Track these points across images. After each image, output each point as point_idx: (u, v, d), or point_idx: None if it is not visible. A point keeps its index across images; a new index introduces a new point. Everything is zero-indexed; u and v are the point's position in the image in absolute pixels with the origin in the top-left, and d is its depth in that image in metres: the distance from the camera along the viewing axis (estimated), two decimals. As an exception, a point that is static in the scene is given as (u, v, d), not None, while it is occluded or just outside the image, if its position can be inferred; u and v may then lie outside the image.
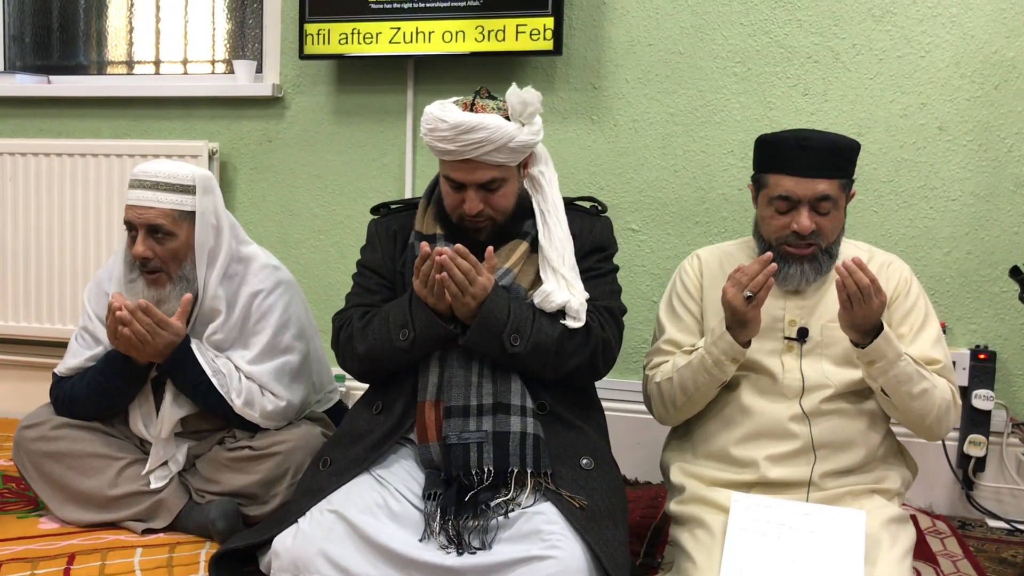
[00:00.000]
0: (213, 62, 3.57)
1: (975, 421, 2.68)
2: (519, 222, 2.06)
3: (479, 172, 1.95)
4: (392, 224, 2.18)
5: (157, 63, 3.61)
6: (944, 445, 2.69)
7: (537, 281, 2.01)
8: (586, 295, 1.99)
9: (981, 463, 2.70)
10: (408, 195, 3.11)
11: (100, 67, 3.67)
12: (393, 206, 2.25)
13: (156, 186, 2.22)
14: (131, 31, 3.63)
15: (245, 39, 3.51)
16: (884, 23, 2.75)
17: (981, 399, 2.66)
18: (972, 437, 2.67)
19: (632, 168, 2.98)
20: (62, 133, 3.44)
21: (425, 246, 1.91)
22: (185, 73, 3.57)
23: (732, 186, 2.90)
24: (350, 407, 2.65)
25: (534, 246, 2.05)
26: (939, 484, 2.75)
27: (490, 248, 1.95)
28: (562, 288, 1.97)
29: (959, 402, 1.96)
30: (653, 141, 2.95)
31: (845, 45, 2.78)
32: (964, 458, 2.70)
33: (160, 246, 2.23)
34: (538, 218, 2.05)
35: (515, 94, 1.95)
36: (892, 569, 1.70)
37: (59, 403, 2.37)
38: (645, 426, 2.59)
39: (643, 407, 2.47)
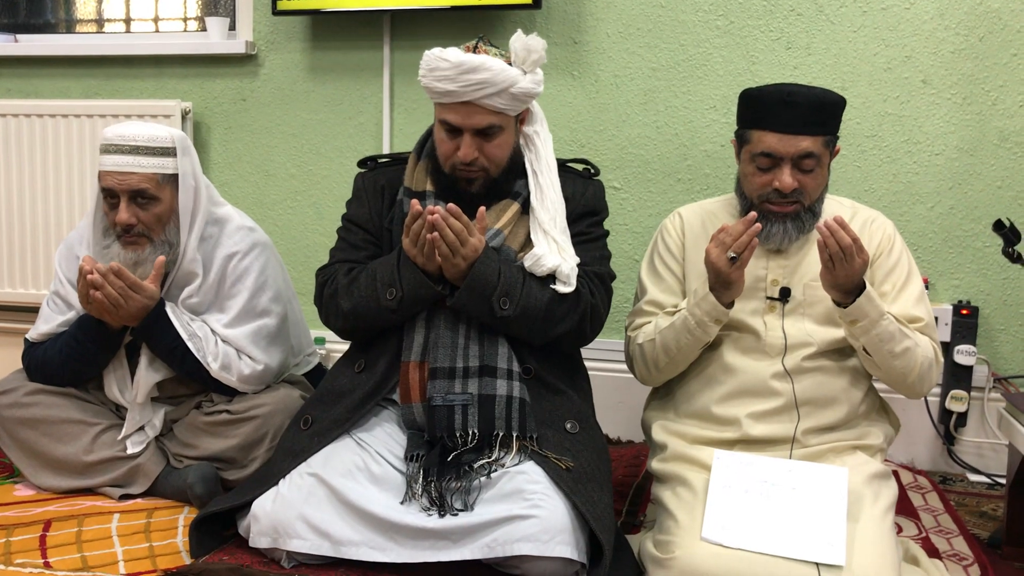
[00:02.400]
0: (185, 19, 3.48)
1: (957, 376, 2.68)
2: (511, 181, 2.03)
3: (477, 116, 1.92)
4: (380, 178, 2.13)
5: (128, 21, 3.52)
6: (926, 401, 2.69)
7: (528, 243, 1.98)
8: (577, 259, 1.96)
9: (963, 418, 2.70)
10: (386, 152, 3.06)
11: (69, 25, 3.57)
12: (381, 159, 2.20)
13: (136, 150, 2.16)
14: (99, -12, 3.53)
15: (218, -5, 3.42)
16: (868, -26, 2.71)
17: (963, 355, 2.66)
18: (954, 392, 2.67)
19: (614, 125, 2.93)
20: (30, 93, 3.35)
21: (416, 204, 1.87)
22: (157, 31, 3.48)
23: (715, 142, 2.86)
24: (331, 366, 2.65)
25: (525, 207, 2.01)
26: (920, 439, 2.76)
27: (481, 208, 1.91)
28: (553, 252, 1.94)
29: (941, 360, 1.95)
30: (635, 97, 2.90)
31: (829, -3, 2.74)
32: (946, 413, 2.71)
33: (144, 211, 2.17)
34: (530, 179, 2.01)
35: (519, 40, 1.93)
36: (874, 525, 1.70)
37: (32, 369, 2.32)
38: (628, 385, 2.58)
39: (626, 366, 2.46)
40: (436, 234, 1.84)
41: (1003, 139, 2.68)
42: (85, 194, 3.18)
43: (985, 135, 2.68)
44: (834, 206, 2.03)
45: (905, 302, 1.94)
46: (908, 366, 1.87)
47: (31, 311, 3.23)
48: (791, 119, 1.87)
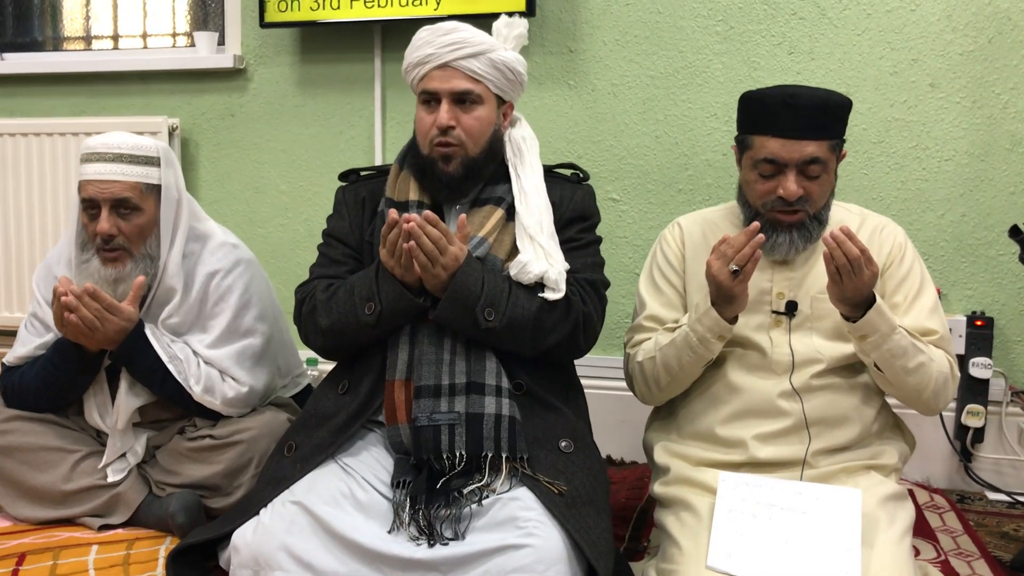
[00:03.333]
0: (174, 35, 3.42)
1: (972, 390, 2.57)
2: (493, 185, 1.94)
3: (455, 80, 1.89)
4: (361, 191, 2.05)
5: (116, 38, 3.46)
6: (941, 416, 2.59)
7: (514, 252, 1.89)
8: (566, 265, 1.86)
9: (979, 434, 2.60)
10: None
11: (56, 43, 3.51)
12: (363, 172, 2.12)
13: (119, 158, 2.08)
14: (87, 5, 3.47)
15: (208, 11, 3.36)
16: (872, -25, 2.62)
17: (979, 367, 2.55)
18: (970, 407, 2.56)
19: (612, 135, 2.85)
20: (16, 112, 3.29)
21: (393, 212, 1.78)
22: (145, 48, 3.42)
23: (716, 151, 2.77)
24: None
25: (510, 214, 1.93)
26: (936, 456, 2.65)
27: (463, 216, 1.82)
28: (540, 257, 1.85)
29: (957, 374, 1.84)
30: (633, 106, 2.82)
31: (831, 0, 2.65)
32: (962, 429, 2.60)
33: (126, 222, 2.09)
34: (514, 183, 1.93)
35: (502, 18, 1.97)
36: (891, 549, 1.59)
37: (8, 394, 2.24)
38: (629, 404, 2.47)
39: (621, 382, 2.37)
40: (413, 243, 1.75)
41: (1015, 143, 2.58)
42: (72, 214, 3.10)
43: (996, 139, 2.59)
44: (842, 213, 1.94)
45: (918, 314, 1.84)
46: (922, 382, 1.76)
47: (9, 335, 3.16)
48: (795, 123, 1.78)
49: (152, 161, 2.13)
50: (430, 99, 1.91)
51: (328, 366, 2.86)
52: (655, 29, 2.78)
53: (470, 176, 1.93)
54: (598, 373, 2.77)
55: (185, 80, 3.14)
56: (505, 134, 2.00)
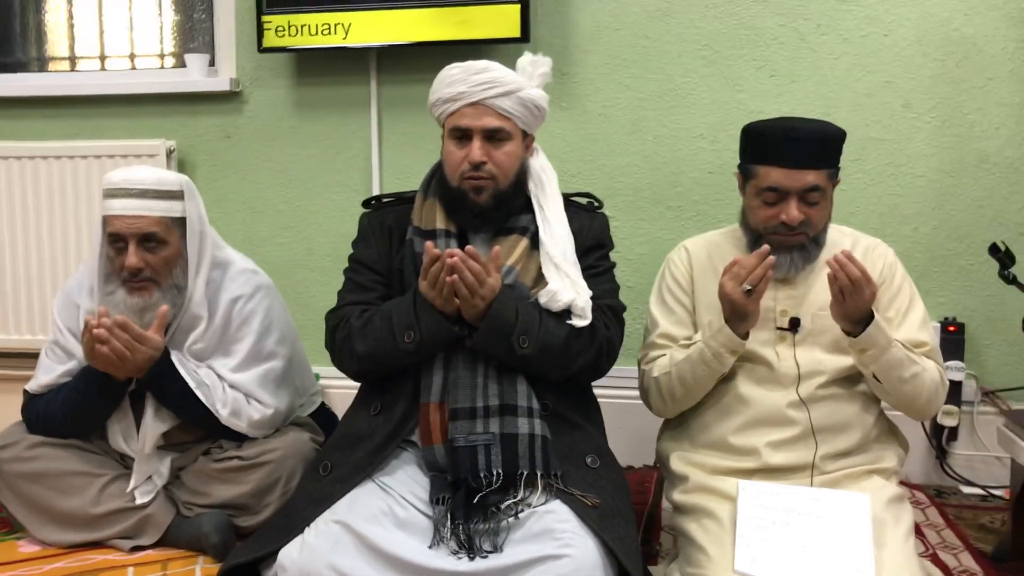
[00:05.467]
0: (162, 56, 3.44)
1: (947, 392, 2.74)
2: (518, 214, 2.04)
3: (486, 117, 1.98)
4: (387, 218, 2.14)
5: (102, 58, 3.47)
6: (920, 417, 2.76)
7: (539, 278, 2.00)
8: (590, 293, 1.98)
9: (954, 432, 2.78)
10: (376, 187, 3.06)
11: (41, 64, 3.52)
12: (385, 199, 2.21)
13: (144, 194, 2.14)
14: (72, 26, 3.48)
15: (194, 32, 3.39)
16: (848, 3, 2.78)
17: (952, 370, 2.71)
18: (945, 407, 2.73)
19: (603, 154, 2.97)
20: (5, 134, 3.29)
21: (431, 247, 1.88)
22: (133, 68, 3.44)
23: (703, 169, 2.91)
24: (337, 406, 2.63)
25: (534, 243, 2.03)
26: (914, 454, 2.77)
27: (496, 247, 1.92)
28: (567, 286, 1.96)
29: (947, 382, 2.01)
30: (623, 127, 2.95)
31: (810, 26, 2.81)
32: (937, 428, 2.78)
33: (152, 255, 2.15)
34: (537, 213, 2.04)
35: (527, 56, 2.07)
36: (899, 549, 1.74)
37: (33, 422, 2.28)
38: (630, 410, 2.61)
39: (625, 391, 2.49)
40: (455, 276, 1.85)
41: (982, 160, 2.76)
42: (69, 236, 3.13)
43: (964, 156, 2.77)
44: (835, 235, 2.08)
45: (909, 327, 2.00)
46: (917, 390, 1.92)
47: (14, 357, 3.19)
48: (796, 154, 1.92)
49: (176, 195, 2.19)
50: (461, 135, 2.00)
51: (333, 381, 2.96)
52: (643, 53, 2.91)
53: (499, 207, 2.02)
54: (600, 382, 2.88)
55: (180, 102, 3.18)
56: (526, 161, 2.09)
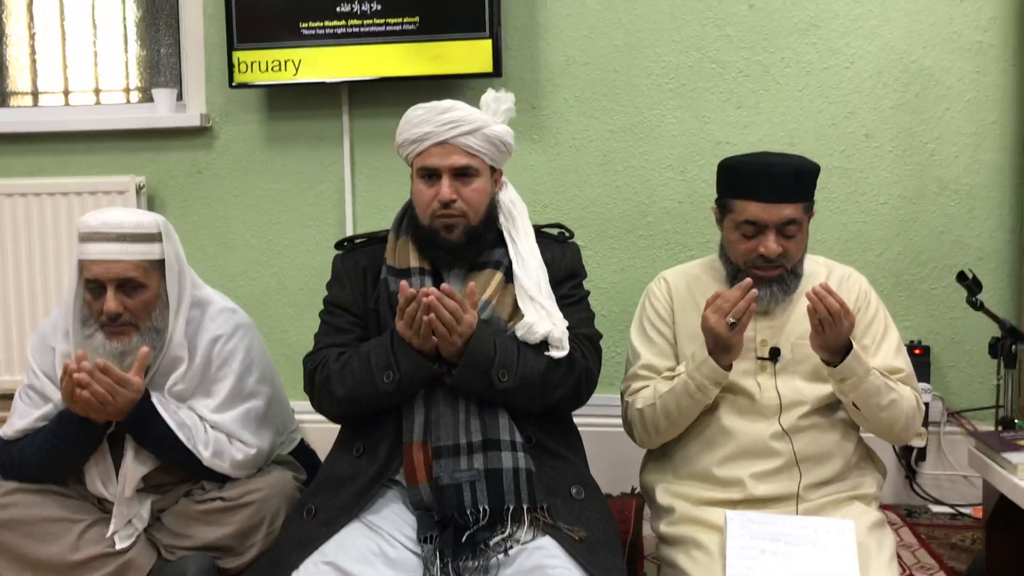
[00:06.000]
0: (127, 91, 3.42)
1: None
2: (490, 249, 2.07)
3: (454, 156, 1.99)
4: (360, 259, 2.15)
5: (66, 93, 3.44)
6: (890, 439, 2.82)
7: (515, 311, 2.01)
8: (566, 323, 2.00)
9: (922, 452, 2.85)
10: (349, 221, 3.07)
11: (2, 99, 3.47)
12: (357, 240, 2.21)
13: (123, 237, 2.12)
14: (35, 60, 3.45)
15: (160, 66, 3.38)
16: (810, 36, 2.86)
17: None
18: (913, 429, 2.80)
19: (575, 185, 3.01)
20: (-34, 172, 3.25)
21: (406, 286, 1.89)
22: (97, 103, 3.42)
23: (672, 199, 2.96)
24: (313, 442, 2.62)
25: (508, 276, 2.05)
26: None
27: (471, 284, 1.94)
28: (543, 318, 1.98)
29: (923, 407, 2.06)
30: (594, 158, 2.99)
31: (774, 59, 2.88)
32: (906, 449, 2.85)
33: (131, 299, 2.13)
34: (510, 247, 2.06)
35: (490, 93, 2.09)
36: (884, 572, 1.78)
37: (7, 468, 2.23)
38: (604, 438, 2.65)
39: (603, 419, 2.51)
40: (433, 315, 1.86)
41: (942, 187, 2.85)
42: (35, 275, 3.09)
43: (925, 184, 2.86)
44: (811, 265, 2.14)
45: (885, 354, 2.05)
46: (894, 417, 1.97)
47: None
48: (773, 189, 1.97)
49: (154, 237, 2.17)
50: (430, 174, 2.02)
51: (307, 415, 2.94)
52: (612, 87, 2.96)
53: (472, 243, 2.04)
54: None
55: (149, 138, 3.17)
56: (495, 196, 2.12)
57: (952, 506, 2.78)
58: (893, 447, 2.83)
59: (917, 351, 2.83)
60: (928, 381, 2.82)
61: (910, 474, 2.87)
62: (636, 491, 2.84)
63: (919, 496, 2.86)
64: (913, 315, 2.89)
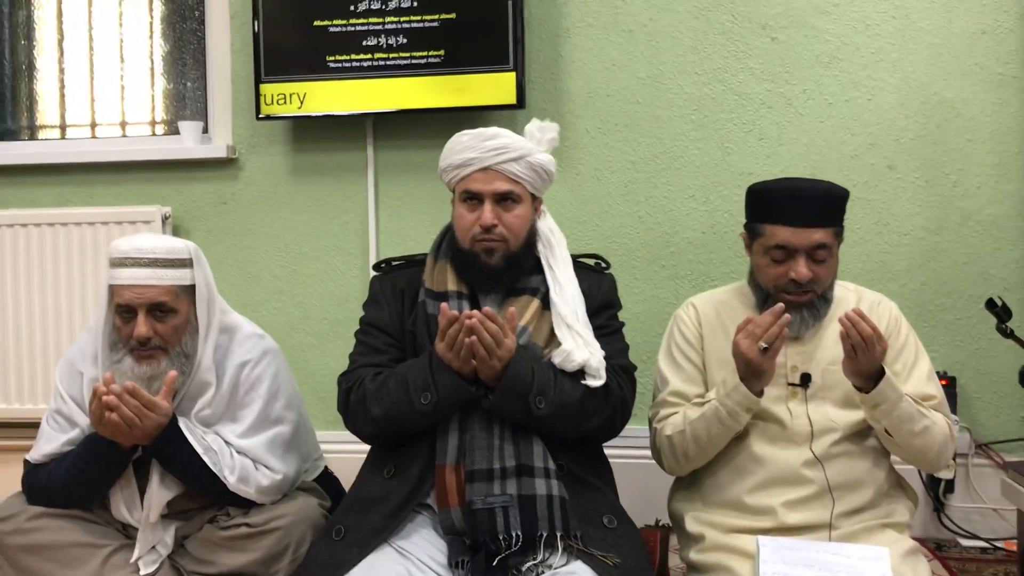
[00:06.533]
0: (153, 123, 3.47)
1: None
2: (529, 275, 2.07)
3: (497, 182, 2.02)
4: (398, 281, 2.16)
5: (93, 126, 3.49)
6: (919, 470, 2.79)
7: (552, 338, 2.02)
8: (602, 352, 2.00)
9: (950, 485, 2.81)
10: (372, 252, 3.09)
11: (32, 132, 3.52)
12: (395, 262, 2.23)
13: (155, 263, 2.13)
14: (63, 95, 3.50)
15: (186, 99, 3.43)
16: (832, 69, 2.88)
17: (947, 424, 2.77)
18: (941, 461, 2.78)
19: (596, 216, 3.02)
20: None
21: (447, 308, 1.90)
22: (124, 135, 3.46)
23: (696, 230, 2.97)
24: (345, 467, 2.61)
25: (545, 303, 2.06)
26: (912, 508, 2.85)
27: (511, 308, 1.95)
28: (580, 346, 1.98)
29: (956, 435, 2.05)
30: (615, 189, 3.01)
31: (796, 91, 2.90)
32: (934, 481, 2.81)
33: (161, 324, 2.14)
34: (547, 274, 2.07)
35: (535, 123, 2.11)
36: (919, 601, 1.76)
37: (33, 492, 2.23)
38: (631, 469, 2.62)
39: (630, 450, 2.49)
40: (474, 338, 1.86)
41: (965, 218, 2.85)
42: (61, 304, 3.11)
43: (948, 215, 2.86)
44: (840, 291, 2.13)
45: (917, 381, 2.04)
46: (927, 444, 1.95)
47: (10, 427, 3.14)
48: (803, 213, 1.97)
49: (186, 263, 2.19)
50: (473, 199, 2.04)
51: (332, 445, 2.94)
52: (634, 118, 2.98)
53: (510, 268, 2.05)
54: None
55: (174, 169, 3.20)
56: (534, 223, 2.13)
57: (986, 540, 2.74)
58: (922, 479, 2.80)
59: (943, 382, 2.81)
60: (955, 412, 2.79)
61: (938, 507, 2.83)
62: (661, 523, 2.81)
63: (948, 530, 2.82)
64: (938, 346, 2.87)
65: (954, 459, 2.79)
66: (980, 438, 2.85)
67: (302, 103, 2.98)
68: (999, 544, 2.69)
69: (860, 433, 2.01)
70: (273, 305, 3.17)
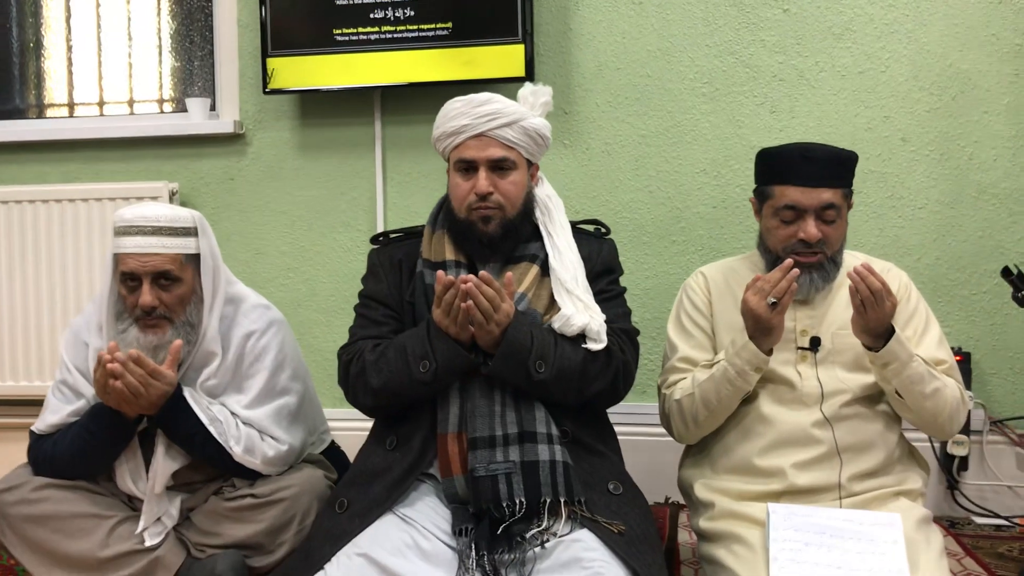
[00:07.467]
0: (161, 101, 3.46)
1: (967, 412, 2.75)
2: (527, 242, 2.05)
3: (491, 148, 1.98)
4: (396, 253, 2.14)
5: (101, 104, 3.49)
6: (932, 446, 2.75)
7: (551, 304, 1.99)
8: (603, 316, 1.97)
9: (964, 462, 2.77)
10: (380, 227, 3.07)
11: (40, 110, 3.52)
12: (392, 235, 2.20)
13: (159, 231, 2.12)
14: (71, 72, 3.49)
15: (193, 77, 3.41)
16: (845, 40, 2.84)
17: (961, 399, 2.73)
18: (955, 437, 2.72)
19: (607, 191, 2.99)
20: (6, 179, 3.28)
21: (443, 275, 1.87)
22: (131, 113, 3.45)
23: (706, 204, 2.94)
24: (350, 444, 2.59)
25: (544, 270, 2.04)
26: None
27: (509, 274, 1.92)
28: (580, 311, 1.95)
29: (967, 401, 2.01)
30: (626, 163, 2.98)
31: (808, 63, 2.86)
32: (948, 458, 2.78)
33: (167, 293, 2.12)
34: (546, 240, 2.04)
35: (527, 87, 2.07)
36: (933, 569, 1.73)
37: (39, 463, 2.22)
38: (638, 446, 2.60)
39: (637, 427, 2.46)
40: (470, 302, 1.84)
41: (981, 192, 2.81)
42: (69, 280, 3.10)
43: (964, 188, 2.81)
44: (849, 259, 2.10)
45: (928, 346, 2.01)
46: (939, 406, 1.92)
47: (20, 404, 3.13)
48: (812, 173, 1.95)
49: (190, 231, 2.17)
50: (467, 167, 2.01)
51: (338, 423, 2.93)
52: (645, 92, 2.95)
53: (508, 236, 2.03)
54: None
55: (181, 145, 3.19)
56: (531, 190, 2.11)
57: (1005, 517, 2.70)
58: (936, 456, 2.76)
59: (958, 358, 2.76)
60: (969, 388, 2.75)
61: (952, 485, 2.79)
62: (670, 500, 2.79)
63: (962, 508, 2.78)
64: (953, 321, 2.83)
65: (968, 436, 2.75)
66: (995, 414, 2.81)
67: (309, 77, 2.96)
68: (1016, 521, 2.65)
69: (871, 397, 1.98)
70: (280, 282, 3.16)
